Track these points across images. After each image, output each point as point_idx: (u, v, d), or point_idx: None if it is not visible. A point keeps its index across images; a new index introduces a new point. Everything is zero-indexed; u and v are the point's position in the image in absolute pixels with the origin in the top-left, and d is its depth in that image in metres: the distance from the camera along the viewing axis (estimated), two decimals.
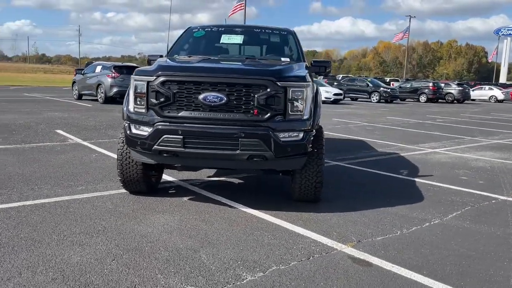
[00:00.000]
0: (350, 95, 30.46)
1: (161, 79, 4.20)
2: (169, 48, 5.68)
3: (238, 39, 5.78)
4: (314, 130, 4.48)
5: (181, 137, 4.12)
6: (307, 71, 5.02)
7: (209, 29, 6.06)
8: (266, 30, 6.15)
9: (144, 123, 4.28)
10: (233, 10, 32.36)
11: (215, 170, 6.18)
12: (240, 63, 4.95)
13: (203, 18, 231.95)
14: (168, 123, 4.19)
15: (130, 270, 3.04)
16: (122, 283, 2.86)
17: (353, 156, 8.05)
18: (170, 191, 5.18)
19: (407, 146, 9.63)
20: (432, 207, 4.95)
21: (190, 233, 3.81)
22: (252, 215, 4.38)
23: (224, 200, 4.84)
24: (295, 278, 3.04)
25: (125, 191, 4.97)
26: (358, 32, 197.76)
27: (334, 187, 5.68)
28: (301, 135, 4.30)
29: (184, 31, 6.11)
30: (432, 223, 4.40)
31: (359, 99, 30.21)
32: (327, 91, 25.03)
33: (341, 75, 47.88)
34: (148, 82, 4.25)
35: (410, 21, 62.71)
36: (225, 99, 4.11)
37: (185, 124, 4.16)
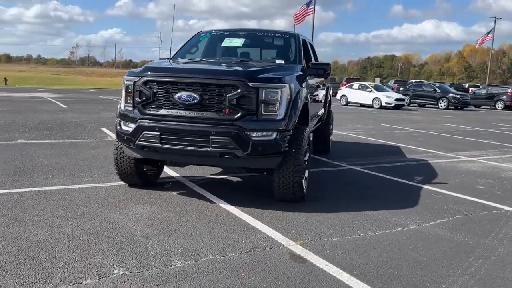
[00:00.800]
0: (417, 100, 29.22)
1: (144, 79, 4.54)
2: (175, 52, 6.03)
3: (238, 42, 5.99)
4: (290, 130, 4.56)
5: (158, 133, 4.42)
6: (299, 73, 5.11)
7: (215, 33, 6.34)
8: (269, 34, 6.31)
9: (130, 120, 4.64)
10: (297, 16, 32.36)
11: (221, 169, 6.42)
12: (223, 65, 5.12)
13: (281, 24, 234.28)
14: (148, 120, 4.51)
15: (76, 250, 3.38)
16: (63, 260, 3.19)
17: (375, 161, 7.88)
18: (165, 186, 5.50)
19: (443, 153, 9.19)
20: (419, 213, 4.78)
21: (154, 223, 4.08)
22: (226, 210, 4.56)
23: (209, 196, 5.05)
24: (221, 267, 3.18)
25: (124, 183, 5.37)
26: (442, 35, 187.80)
27: (332, 190, 5.68)
28: (274, 134, 4.41)
29: (194, 35, 6.44)
30: (405, 228, 4.28)
31: (426, 105, 28.89)
32: (388, 96, 24.29)
33: (413, 80, 45.93)
34: (134, 82, 4.62)
35: (495, 22, 58.51)
36: (198, 98, 4.35)
37: (162, 122, 4.45)
